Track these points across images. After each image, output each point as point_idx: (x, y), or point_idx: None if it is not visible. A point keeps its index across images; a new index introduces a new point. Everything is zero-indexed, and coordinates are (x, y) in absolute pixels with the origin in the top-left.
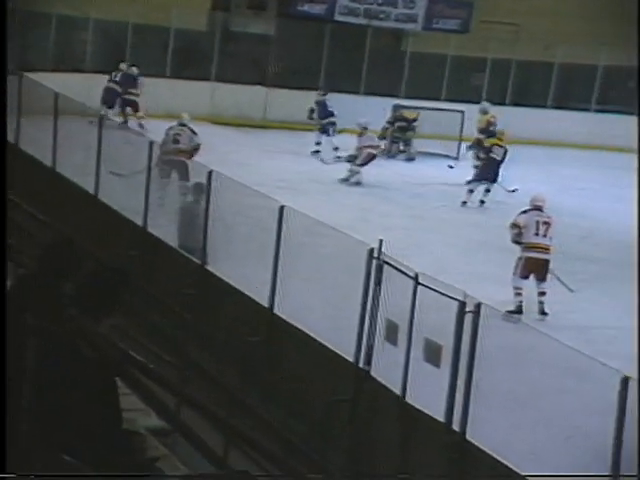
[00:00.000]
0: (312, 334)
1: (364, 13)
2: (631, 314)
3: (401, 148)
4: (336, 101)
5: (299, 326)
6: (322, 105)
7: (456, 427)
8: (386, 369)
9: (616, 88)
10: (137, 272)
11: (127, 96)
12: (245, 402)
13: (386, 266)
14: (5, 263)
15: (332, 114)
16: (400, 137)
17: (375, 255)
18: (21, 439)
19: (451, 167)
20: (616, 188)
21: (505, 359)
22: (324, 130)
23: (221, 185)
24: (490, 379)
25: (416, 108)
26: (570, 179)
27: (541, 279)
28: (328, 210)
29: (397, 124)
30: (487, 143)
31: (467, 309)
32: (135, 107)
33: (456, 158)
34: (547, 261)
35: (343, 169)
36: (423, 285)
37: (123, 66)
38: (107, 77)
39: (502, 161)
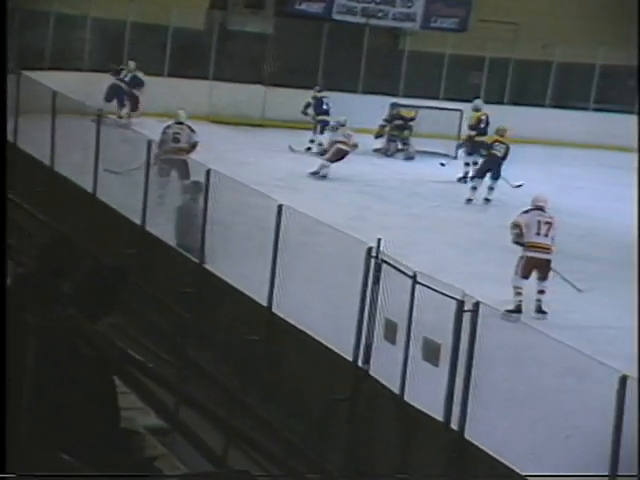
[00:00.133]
0: (311, 333)
1: (362, 12)
2: (631, 314)
3: (399, 147)
4: (334, 100)
5: (298, 325)
6: (318, 102)
7: (454, 426)
8: (385, 368)
9: (615, 87)
10: (136, 271)
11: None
12: (244, 401)
13: (384, 265)
14: (5, 263)
15: (326, 112)
16: (397, 136)
17: (374, 254)
18: (20, 438)
19: (442, 165)
20: (615, 187)
21: (503, 358)
22: (316, 127)
23: (219, 184)
24: (489, 378)
25: (413, 107)
26: (569, 178)
27: (542, 278)
28: (326, 209)
29: (394, 122)
30: (483, 140)
31: (465, 308)
32: (135, 106)
33: (455, 157)
34: (548, 261)
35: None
36: (421, 284)
37: (132, 65)
38: (109, 74)
39: (504, 158)
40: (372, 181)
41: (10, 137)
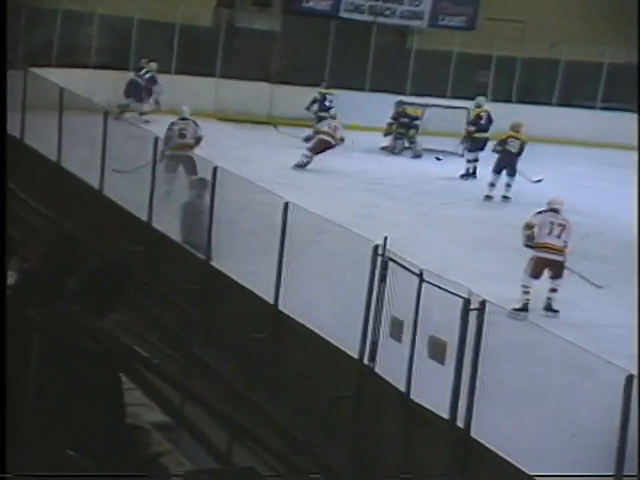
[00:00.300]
0: (317, 330)
1: (369, 10)
2: (631, 313)
3: (406, 145)
4: (341, 98)
5: (304, 322)
6: (322, 98)
7: (460, 424)
8: (391, 366)
9: (622, 86)
10: (142, 267)
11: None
12: (250, 398)
13: (391, 263)
14: (5, 264)
15: (328, 109)
16: (404, 134)
17: (380, 252)
18: (25, 434)
19: (438, 159)
20: (622, 186)
21: (509, 356)
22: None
23: (226, 181)
24: (494, 376)
25: (418, 104)
26: (575, 177)
27: (556, 277)
28: (333, 207)
29: (400, 120)
30: (484, 136)
31: (472, 306)
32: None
33: (462, 155)
34: (559, 262)
35: (351, 166)
36: (428, 282)
37: (153, 66)
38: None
39: (519, 154)
40: (379, 179)
41: (17, 133)
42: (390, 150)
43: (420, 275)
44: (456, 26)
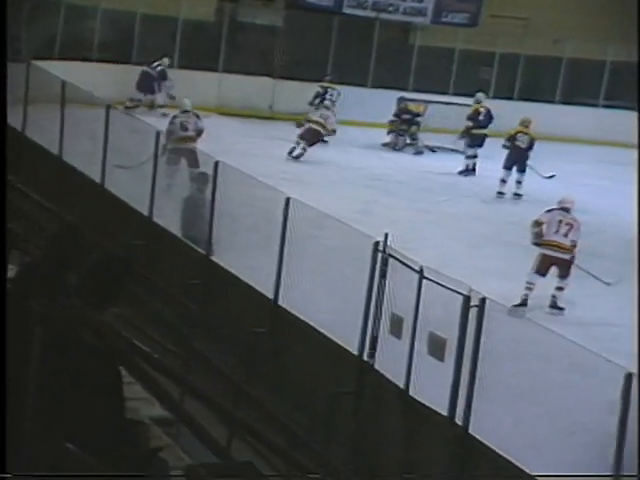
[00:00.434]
0: (317, 326)
1: (372, 6)
2: (631, 311)
3: (408, 141)
4: (343, 93)
5: (303, 318)
6: (324, 92)
7: (459, 421)
8: (390, 362)
9: (625, 83)
10: (142, 262)
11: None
12: (249, 393)
13: (391, 259)
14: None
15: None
16: (405, 130)
17: (380, 248)
18: (25, 433)
19: (433, 151)
20: (624, 184)
21: (509, 353)
22: None
23: (227, 175)
24: (494, 373)
25: (421, 101)
26: (578, 175)
27: (563, 276)
28: (333, 202)
29: (402, 117)
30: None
31: (472, 303)
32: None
33: (463, 152)
34: (565, 260)
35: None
36: (428, 279)
37: (166, 61)
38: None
39: (529, 149)
40: (380, 175)
41: (19, 126)
42: (392, 146)
43: (420, 272)
44: (459, 23)
